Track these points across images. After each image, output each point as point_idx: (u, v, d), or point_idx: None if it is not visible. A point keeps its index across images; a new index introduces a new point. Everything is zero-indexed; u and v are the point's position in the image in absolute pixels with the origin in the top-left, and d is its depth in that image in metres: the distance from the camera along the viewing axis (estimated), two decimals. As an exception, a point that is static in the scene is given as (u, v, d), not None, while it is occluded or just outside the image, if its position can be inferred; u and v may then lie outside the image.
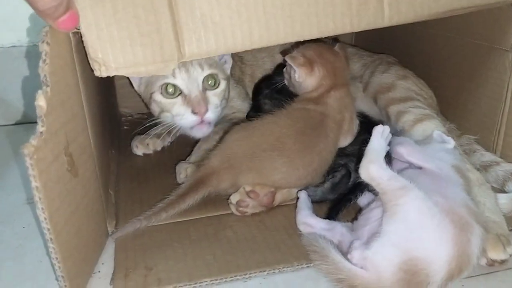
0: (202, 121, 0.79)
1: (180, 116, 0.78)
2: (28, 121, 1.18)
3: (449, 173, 0.60)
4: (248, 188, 0.68)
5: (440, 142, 0.67)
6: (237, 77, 1.02)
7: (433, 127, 0.75)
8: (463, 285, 0.56)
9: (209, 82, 0.81)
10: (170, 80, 0.78)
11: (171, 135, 1.00)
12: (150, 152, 0.96)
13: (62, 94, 0.53)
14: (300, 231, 0.64)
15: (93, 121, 0.65)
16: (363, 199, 0.69)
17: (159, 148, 0.97)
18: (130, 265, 0.59)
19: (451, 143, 0.66)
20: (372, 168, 0.55)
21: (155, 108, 0.85)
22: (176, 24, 0.58)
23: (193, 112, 0.77)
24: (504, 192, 0.73)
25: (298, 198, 0.69)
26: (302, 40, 0.65)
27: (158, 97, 0.81)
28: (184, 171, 0.76)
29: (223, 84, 0.77)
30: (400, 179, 0.54)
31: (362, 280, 0.51)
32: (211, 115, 0.74)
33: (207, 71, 0.81)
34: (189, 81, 0.79)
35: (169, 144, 0.99)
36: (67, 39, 0.55)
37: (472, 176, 0.69)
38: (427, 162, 0.61)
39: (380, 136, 0.59)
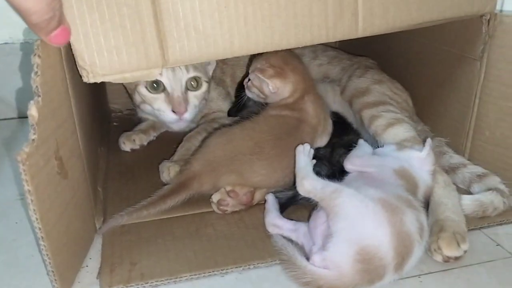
0: (180, 119, 0.85)
1: (161, 111, 0.83)
2: (20, 116, 1.21)
3: (387, 175, 0.66)
4: (228, 188, 0.73)
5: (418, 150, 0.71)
6: (218, 78, 1.05)
7: (404, 131, 0.80)
8: (421, 281, 0.61)
9: (192, 83, 0.86)
10: (158, 77, 0.82)
11: (156, 130, 1.05)
12: (137, 147, 1.00)
13: (53, 103, 0.56)
14: (269, 232, 0.68)
15: (82, 124, 0.69)
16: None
17: (145, 143, 1.02)
18: (116, 261, 0.64)
19: (422, 153, 0.70)
20: (306, 183, 0.62)
21: (137, 98, 0.91)
22: (160, 33, 0.62)
23: (173, 111, 0.82)
24: (470, 193, 0.78)
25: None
26: (280, 49, 0.69)
27: (142, 90, 0.86)
28: (166, 170, 0.80)
29: (204, 86, 0.82)
30: (331, 184, 0.61)
31: (326, 279, 0.56)
32: (189, 115, 0.79)
33: (191, 73, 0.86)
34: (174, 80, 0.85)
35: (154, 138, 1.04)
36: (57, 50, 0.59)
37: (440, 177, 0.74)
38: (369, 168, 0.68)
39: (303, 155, 0.68)
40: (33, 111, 0.52)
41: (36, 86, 0.52)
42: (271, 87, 0.78)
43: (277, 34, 0.66)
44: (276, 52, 0.72)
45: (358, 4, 0.69)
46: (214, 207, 0.74)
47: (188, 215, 0.74)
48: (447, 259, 0.64)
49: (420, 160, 0.70)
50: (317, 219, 0.63)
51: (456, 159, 0.85)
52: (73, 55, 0.59)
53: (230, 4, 0.63)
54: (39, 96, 0.53)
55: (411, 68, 1.01)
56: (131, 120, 1.12)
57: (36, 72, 0.53)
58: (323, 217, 0.61)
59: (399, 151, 0.72)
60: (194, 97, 0.80)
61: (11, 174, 0.92)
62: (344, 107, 0.97)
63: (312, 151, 0.70)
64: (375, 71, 1.00)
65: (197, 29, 0.63)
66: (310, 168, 0.65)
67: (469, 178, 0.81)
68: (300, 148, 0.68)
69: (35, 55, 0.53)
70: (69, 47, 0.59)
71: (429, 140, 0.71)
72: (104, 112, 1.16)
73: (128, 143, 1.00)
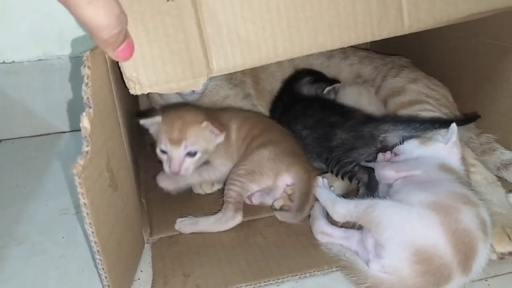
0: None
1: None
2: (54, 132, 1.22)
3: (434, 173, 0.65)
4: (290, 191, 0.71)
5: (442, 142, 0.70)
6: (238, 79, 1.04)
7: (443, 131, 0.78)
8: (489, 284, 0.58)
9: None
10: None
11: None
12: None
13: (102, 114, 0.56)
14: (318, 241, 0.66)
15: (127, 135, 0.68)
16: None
17: None
18: (168, 273, 0.63)
19: (449, 142, 0.69)
20: (338, 209, 0.62)
21: None
22: (204, 41, 0.61)
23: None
24: (525, 190, 0.75)
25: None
26: (324, 50, 0.67)
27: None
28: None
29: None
30: (362, 201, 0.61)
31: (388, 284, 0.55)
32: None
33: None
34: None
35: None
36: (104, 61, 0.58)
37: (479, 176, 0.72)
38: (413, 170, 0.66)
39: (320, 188, 0.69)
40: (85, 123, 0.51)
41: (87, 98, 0.52)
42: (220, 138, 0.81)
43: (321, 35, 0.65)
44: (178, 110, 0.80)
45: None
46: (278, 215, 0.72)
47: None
48: (502, 256, 0.61)
49: (447, 151, 0.68)
50: (365, 233, 0.61)
51: (507, 155, 0.82)
52: (117, 67, 0.59)
53: (272, 8, 0.61)
54: (90, 107, 0.52)
55: (449, 63, 0.98)
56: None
57: (87, 84, 0.52)
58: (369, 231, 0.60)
59: (423, 146, 0.70)
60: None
61: (52, 189, 0.92)
62: (380, 108, 0.95)
63: (326, 181, 0.72)
64: (410, 69, 0.99)
65: (240, 35, 0.61)
66: (333, 195, 0.66)
67: (523, 175, 0.78)
68: (318, 182, 0.71)
69: (84, 66, 0.53)
70: (113, 61, 0.59)
71: (453, 127, 0.69)
72: (138, 123, 1.16)
73: None
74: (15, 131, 1.18)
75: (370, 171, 0.72)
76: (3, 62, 1.14)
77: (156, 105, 1.01)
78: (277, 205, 0.71)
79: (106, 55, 0.59)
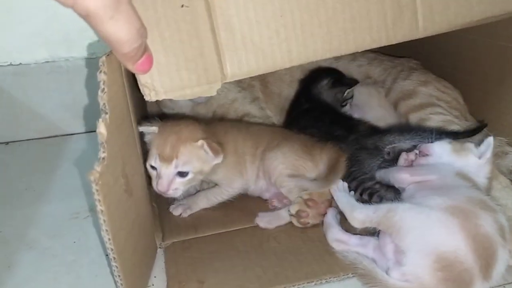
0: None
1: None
2: (61, 134, 1.21)
3: (450, 179, 0.64)
4: (306, 197, 0.70)
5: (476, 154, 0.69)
6: (246, 83, 1.03)
7: (477, 137, 0.78)
8: (507, 291, 0.58)
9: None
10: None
11: None
12: None
13: (117, 119, 0.55)
14: (333, 249, 0.65)
15: (140, 140, 0.68)
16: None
17: None
18: (182, 279, 0.62)
19: (483, 157, 0.68)
20: (357, 215, 0.61)
21: None
22: (218, 47, 0.60)
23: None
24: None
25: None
26: (339, 55, 0.66)
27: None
28: None
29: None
30: (381, 205, 0.61)
31: None
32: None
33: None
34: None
35: None
36: (119, 66, 0.57)
37: (494, 181, 0.71)
38: (429, 175, 0.66)
39: (339, 191, 0.69)
40: (101, 129, 0.51)
41: (104, 103, 0.51)
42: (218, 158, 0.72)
43: (336, 39, 0.64)
44: (170, 125, 0.72)
45: (417, 3, 0.66)
46: (294, 221, 0.71)
47: (248, 228, 0.73)
48: None
49: (478, 165, 0.67)
50: (384, 238, 0.60)
51: (520, 159, 0.81)
52: (130, 73, 0.58)
53: (286, 12, 0.61)
54: (106, 113, 0.51)
55: (461, 65, 0.98)
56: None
57: (103, 89, 0.51)
58: (389, 237, 0.59)
59: (455, 154, 0.69)
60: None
61: (60, 193, 0.91)
62: (389, 110, 0.95)
63: (346, 185, 0.71)
64: (420, 72, 0.98)
65: (254, 41, 0.61)
66: (353, 200, 0.66)
67: (535, 179, 0.78)
68: (334, 187, 0.70)
69: (100, 71, 0.52)
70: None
71: (488, 142, 0.68)
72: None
73: None
74: (22, 133, 1.17)
75: (397, 190, 0.70)
76: (10, 64, 1.14)
77: (166, 109, 1.01)
78: (293, 210, 0.70)
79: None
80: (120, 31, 0.46)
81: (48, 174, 0.99)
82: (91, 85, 1.15)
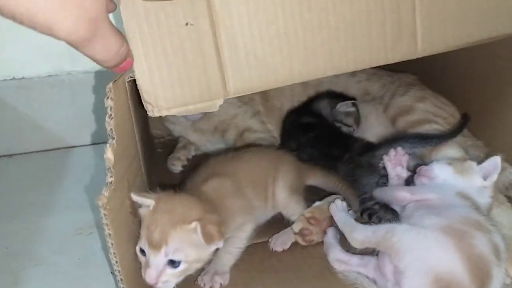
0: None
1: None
2: (63, 147, 1.23)
3: (449, 199, 0.65)
4: (308, 215, 0.72)
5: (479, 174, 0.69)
6: (246, 97, 1.04)
7: (452, 152, 0.79)
8: (504, 310, 0.59)
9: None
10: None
11: (193, 145, 1.08)
12: (185, 162, 1.03)
13: (123, 143, 0.57)
14: (335, 269, 0.66)
15: (145, 158, 0.69)
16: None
17: (190, 157, 1.05)
18: (186, 296, 0.63)
19: (488, 179, 0.69)
20: (356, 235, 0.62)
21: None
22: (222, 64, 0.61)
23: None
24: (534, 210, 0.76)
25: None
26: (339, 73, 0.68)
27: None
28: None
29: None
30: (380, 226, 0.62)
31: None
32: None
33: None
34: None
35: (194, 152, 1.07)
36: (124, 92, 0.59)
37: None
38: (429, 194, 0.67)
39: (338, 211, 0.70)
40: (109, 154, 0.52)
41: (111, 129, 0.53)
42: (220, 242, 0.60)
43: (336, 57, 0.65)
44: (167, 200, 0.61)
45: (416, 25, 0.67)
46: (299, 239, 0.72)
47: (248, 246, 0.73)
48: None
49: (482, 187, 0.68)
50: (383, 259, 0.62)
51: (516, 175, 0.83)
52: (134, 92, 0.60)
53: (290, 30, 0.62)
54: (113, 138, 0.53)
55: (460, 83, 0.99)
56: (174, 145, 1.13)
57: (110, 115, 0.53)
58: (388, 258, 0.60)
59: (459, 176, 0.69)
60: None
61: (64, 208, 0.92)
62: (387, 126, 0.96)
63: (345, 204, 0.72)
64: (418, 87, 1.00)
65: (257, 57, 0.62)
66: (352, 220, 0.67)
67: (531, 194, 0.79)
68: (333, 206, 0.70)
69: (107, 98, 0.54)
70: (131, 85, 0.60)
71: (495, 162, 0.69)
72: (149, 139, 1.17)
73: (178, 163, 1.02)
74: (26, 145, 1.18)
75: (395, 212, 0.71)
76: (13, 78, 1.15)
77: (167, 124, 1.02)
78: (296, 228, 0.72)
79: (126, 84, 0.60)
80: (97, 55, 0.49)
81: (51, 188, 1.00)
82: (94, 99, 1.17)
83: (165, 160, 1.05)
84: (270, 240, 0.74)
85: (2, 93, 1.13)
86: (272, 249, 0.72)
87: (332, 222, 0.72)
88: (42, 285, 0.70)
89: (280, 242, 0.73)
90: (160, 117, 1.03)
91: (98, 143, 1.19)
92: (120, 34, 0.51)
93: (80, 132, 1.19)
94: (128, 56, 0.55)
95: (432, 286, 0.55)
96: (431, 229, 0.58)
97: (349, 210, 0.72)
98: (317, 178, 0.83)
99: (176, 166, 1.01)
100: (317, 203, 0.76)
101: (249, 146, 0.93)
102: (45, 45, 1.13)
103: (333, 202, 0.72)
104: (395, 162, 0.77)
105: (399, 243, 0.58)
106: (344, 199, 0.75)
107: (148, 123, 1.16)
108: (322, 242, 0.71)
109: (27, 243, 0.80)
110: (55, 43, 1.19)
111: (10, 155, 1.16)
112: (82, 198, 0.93)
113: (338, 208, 0.70)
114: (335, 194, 0.79)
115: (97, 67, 1.16)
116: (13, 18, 0.42)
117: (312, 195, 0.79)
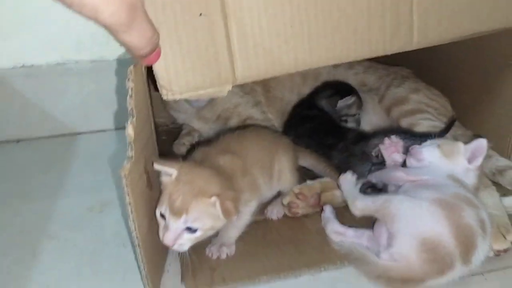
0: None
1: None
2: (70, 133, 1.26)
3: (443, 180, 0.70)
4: (296, 191, 0.79)
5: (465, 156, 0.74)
6: (248, 87, 1.09)
7: (442, 139, 0.84)
8: (485, 278, 0.65)
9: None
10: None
11: (196, 131, 1.13)
12: (189, 147, 1.06)
13: (141, 122, 0.62)
14: (333, 240, 0.72)
15: (156, 141, 0.74)
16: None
17: (194, 142, 1.09)
18: (195, 266, 0.68)
19: (473, 163, 0.74)
20: (358, 204, 0.69)
21: None
22: (231, 52, 0.66)
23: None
24: (518, 194, 0.82)
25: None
26: (340, 62, 0.73)
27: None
28: None
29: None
30: (379, 196, 0.68)
31: (396, 270, 0.62)
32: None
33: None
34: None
35: (198, 139, 1.11)
36: (142, 74, 0.64)
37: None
38: (423, 176, 0.72)
39: (346, 181, 0.76)
40: (130, 131, 0.57)
41: (131, 108, 0.58)
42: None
43: (338, 49, 0.70)
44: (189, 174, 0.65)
45: (413, 18, 0.72)
46: (286, 211, 0.79)
47: (253, 222, 0.78)
48: (497, 253, 0.68)
49: (467, 170, 0.73)
50: (379, 228, 0.67)
51: (502, 161, 0.89)
52: (152, 76, 0.65)
53: (296, 23, 0.67)
54: (133, 116, 0.58)
55: (452, 75, 1.04)
56: (178, 133, 1.17)
57: (131, 95, 0.58)
58: (384, 226, 0.66)
59: (445, 158, 0.74)
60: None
61: (74, 188, 0.95)
62: (382, 116, 1.01)
63: (355, 177, 0.77)
64: (412, 80, 1.05)
65: (265, 48, 0.67)
66: (356, 190, 0.73)
67: (516, 180, 0.85)
68: (343, 176, 0.77)
69: (128, 79, 0.58)
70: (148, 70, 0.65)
71: (480, 144, 0.74)
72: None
73: (183, 148, 1.07)
74: (33, 131, 1.21)
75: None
76: (23, 66, 1.18)
77: (172, 111, 1.07)
78: (285, 201, 0.79)
79: (142, 68, 0.65)
80: (134, 41, 0.53)
81: (60, 171, 1.03)
82: (100, 87, 1.21)
83: (169, 146, 1.09)
84: (265, 210, 0.81)
85: (11, 80, 1.17)
86: (269, 218, 0.80)
87: (319, 199, 0.79)
88: (58, 256, 0.75)
89: (276, 212, 0.80)
90: (165, 106, 1.09)
91: (102, 130, 1.23)
92: (152, 23, 0.55)
93: (87, 119, 1.23)
94: (158, 46, 0.60)
95: (420, 247, 0.61)
96: (425, 200, 0.64)
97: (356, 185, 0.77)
98: (308, 159, 0.89)
99: (182, 151, 1.06)
100: (308, 182, 0.82)
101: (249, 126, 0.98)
102: (55, 35, 1.17)
103: (343, 173, 0.78)
104: (391, 149, 0.82)
105: (395, 210, 0.64)
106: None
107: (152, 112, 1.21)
108: (319, 218, 0.77)
109: (41, 220, 0.84)
110: (63, 33, 1.24)
111: (17, 141, 1.19)
112: (90, 180, 0.97)
113: (347, 179, 0.76)
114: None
115: (103, 57, 1.20)
116: (63, 1, 0.46)
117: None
